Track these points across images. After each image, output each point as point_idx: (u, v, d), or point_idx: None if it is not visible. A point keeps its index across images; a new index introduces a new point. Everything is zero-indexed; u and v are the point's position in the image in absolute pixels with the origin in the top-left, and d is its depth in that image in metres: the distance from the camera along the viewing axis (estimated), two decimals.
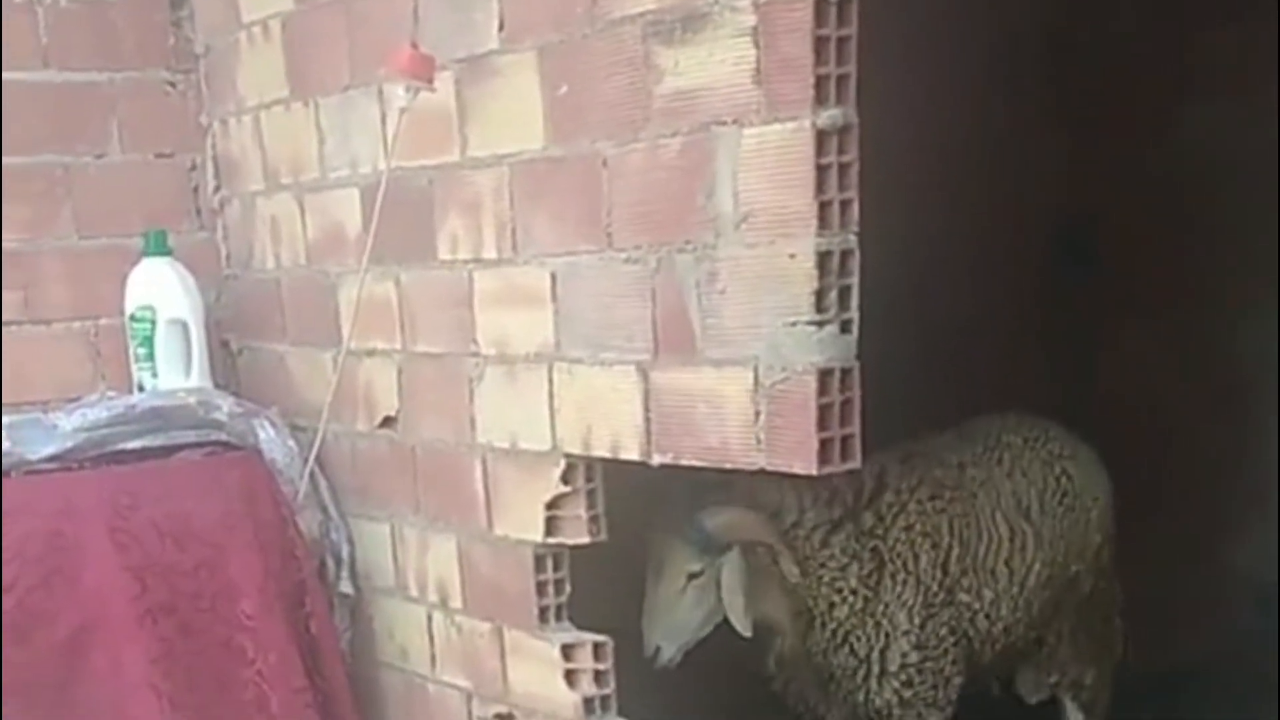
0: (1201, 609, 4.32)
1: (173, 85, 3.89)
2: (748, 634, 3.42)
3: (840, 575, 3.55)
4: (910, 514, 3.65)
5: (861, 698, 3.66)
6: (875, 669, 3.62)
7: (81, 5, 3.74)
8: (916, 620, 3.62)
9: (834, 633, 3.59)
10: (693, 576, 3.40)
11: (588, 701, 2.93)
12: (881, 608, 3.59)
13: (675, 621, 3.44)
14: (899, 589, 3.60)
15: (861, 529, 3.59)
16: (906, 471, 3.73)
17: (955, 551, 3.69)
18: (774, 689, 3.78)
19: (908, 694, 3.65)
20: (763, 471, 2.47)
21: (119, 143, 3.82)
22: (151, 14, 3.84)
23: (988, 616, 3.77)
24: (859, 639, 3.60)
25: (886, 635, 3.61)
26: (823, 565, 3.54)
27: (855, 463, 2.39)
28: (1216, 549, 5.08)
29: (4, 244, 3.69)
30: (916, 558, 3.63)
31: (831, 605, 3.57)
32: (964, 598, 3.72)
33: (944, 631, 3.67)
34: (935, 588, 3.65)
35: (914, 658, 3.63)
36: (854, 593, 3.56)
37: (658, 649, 3.44)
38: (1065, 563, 3.96)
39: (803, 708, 3.85)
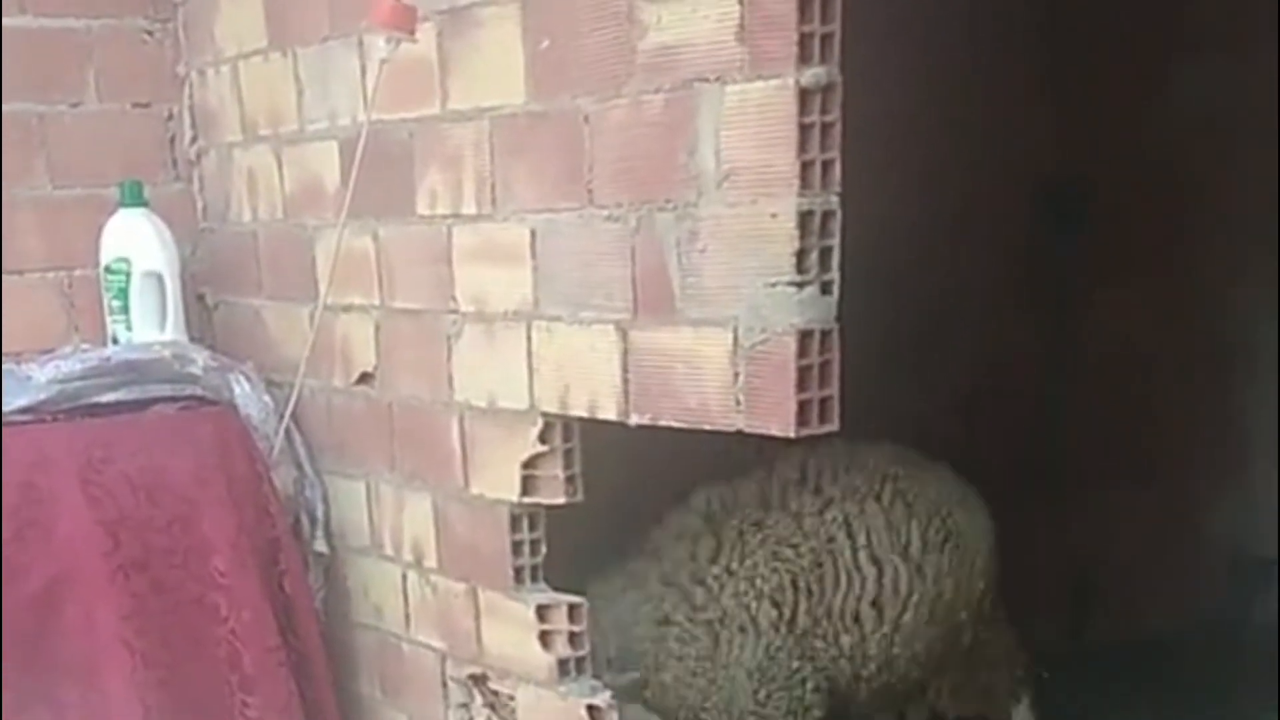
0: (1176, 577, 4.32)
1: (150, 34, 3.85)
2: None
3: (679, 651, 3.49)
4: (742, 580, 3.52)
5: None
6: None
7: None
8: (756, 679, 3.51)
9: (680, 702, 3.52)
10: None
11: (562, 663, 2.91)
12: (723, 672, 3.50)
13: None
14: (738, 652, 3.50)
15: (695, 605, 3.49)
16: (749, 533, 3.57)
17: (804, 605, 3.55)
18: None
19: None
20: (740, 434, 2.44)
21: (95, 92, 3.79)
22: None
23: (850, 660, 3.63)
24: (700, 696, 3.52)
25: (729, 697, 3.51)
26: (675, 640, 3.49)
27: (833, 425, 2.36)
28: (1192, 517, 5.08)
29: None
30: (755, 621, 3.51)
31: (683, 700, 3.51)
32: (819, 644, 3.59)
33: (794, 666, 3.55)
34: (779, 644, 3.53)
35: (762, 695, 3.53)
36: (698, 662, 3.49)
37: None
38: (952, 607, 3.80)
39: None
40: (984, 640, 4.01)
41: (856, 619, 3.63)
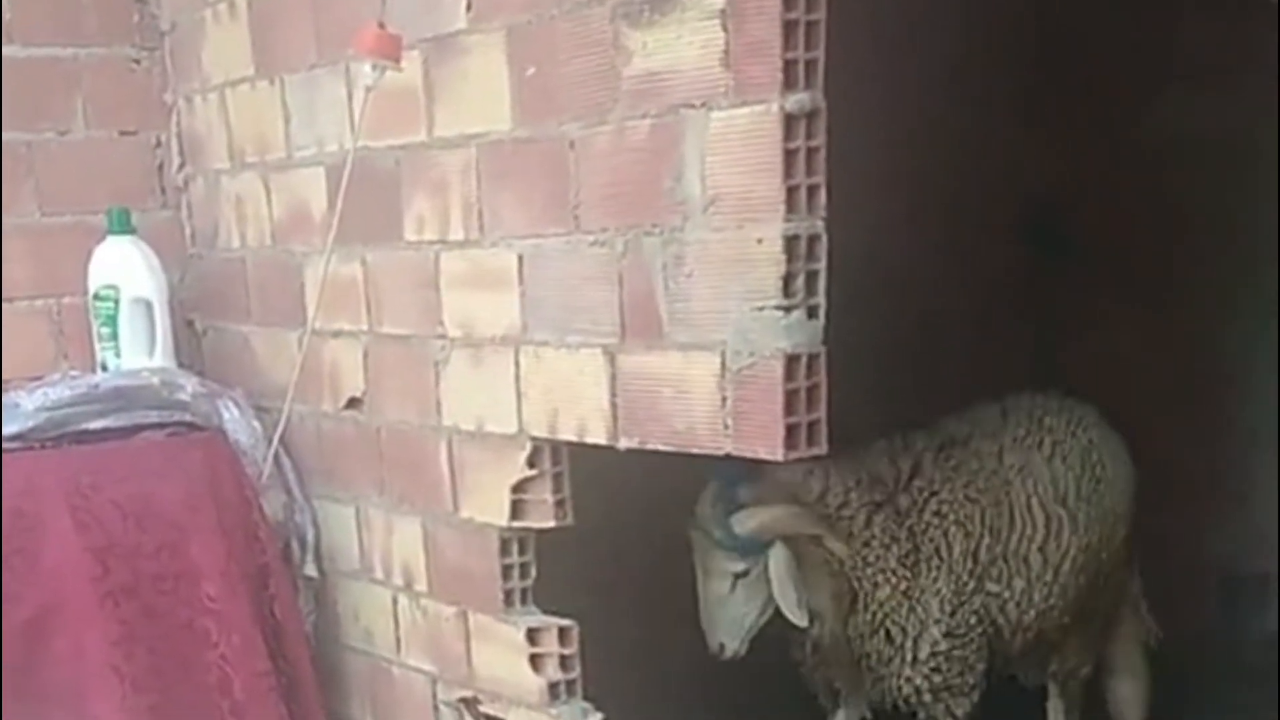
0: (1168, 597, 4.33)
1: (137, 62, 3.86)
2: (804, 624, 3.48)
3: (883, 555, 3.57)
4: (942, 501, 3.65)
5: (892, 684, 3.68)
6: (909, 656, 3.64)
7: None
8: (948, 608, 3.63)
9: (873, 616, 3.61)
10: (739, 576, 3.45)
11: (553, 686, 2.92)
12: (918, 593, 3.61)
13: (731, 619, 3.49)
14: (934, 575, 3.62)
15: (899, 511, 3.61)
16: (941, 459, 3.73)
17: (986, 541, 3.68)
18: (801, 673, 3.81)
19: (936, 680, 3.66)
20: (742, 457, 2.46)
21: (83, 119, 3.80)
22: None
23: (1018, 605, 3.76)
24: (895, 624, 3.62)
25: (921, 622, 3.62)
26: (866, 545, 3.56)
27: (821, 448, 2.38)
28: (1184, 537, 5.09)
29: None
30: (950, 546, 3.64)
31: (875, 586, 3.59)
32: (993, 587, 3.71)
33: (973, 620, 3.67)
34: (966, 576, 3.66)
35: (944, 646, 3.64)
36: (894, 574, 3.58)
37: (721, 645, 3.50)
38: (1098, 549, 3.94)
39: (825, 695, 3.88)
40: (1118, 579, 4.16)
41: (1026, 562, 3.76)
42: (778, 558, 3.42)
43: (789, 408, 2.33)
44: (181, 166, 3.91)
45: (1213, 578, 5.24)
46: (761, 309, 2.33)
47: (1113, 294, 5.11)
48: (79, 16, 3.77)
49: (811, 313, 2.34)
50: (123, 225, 3.61)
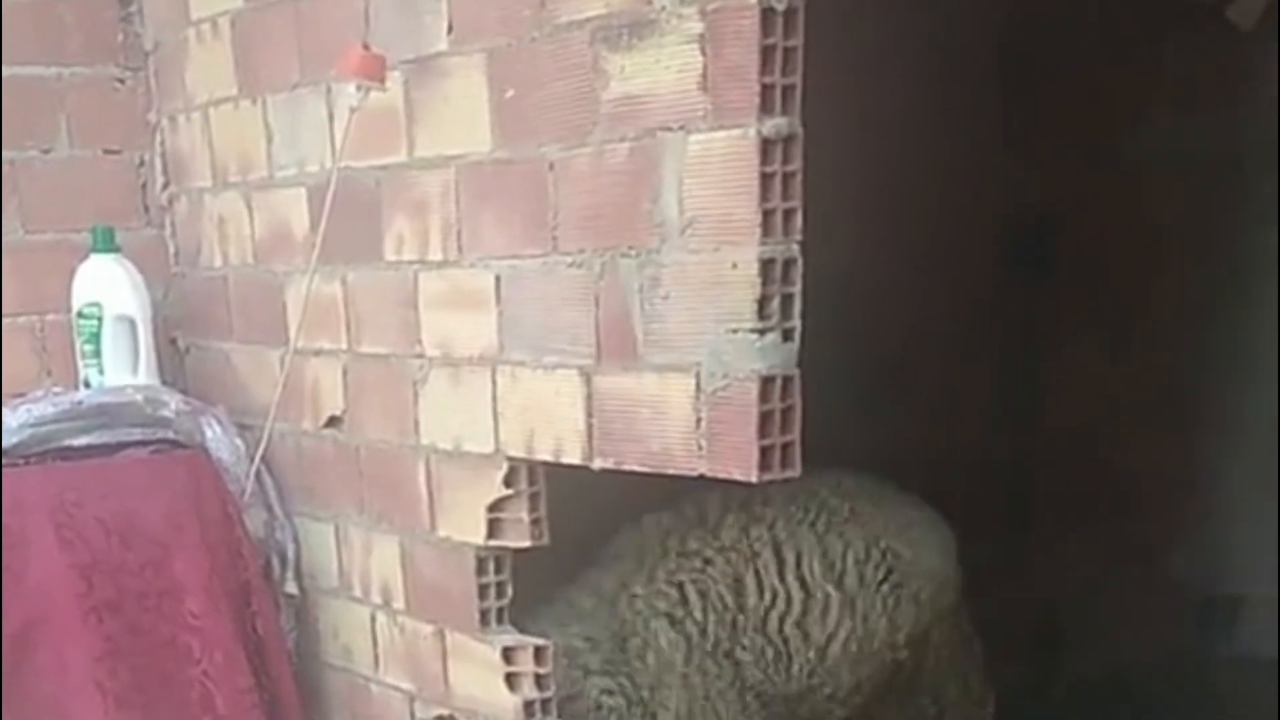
0: (1143, 618, 4.35)
1: (121, 81, 3.87)
2: None
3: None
4: (640, 600, 3.45)
5: None
6: None
7: (31, 1, 3.72)
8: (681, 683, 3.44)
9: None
10: None
11: (528, 705, 2.93)
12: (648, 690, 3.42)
13: None
14: (649, 663, 3.43)
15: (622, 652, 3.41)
16: (660, 554, 3.52)
17: (713, 616, 3.48)
18: None
19: None
20: (703, 478, 2.47)
21: (66, 138, 3.81)
22: (100, 10, 3.82)
23: (778, 675, 3.57)
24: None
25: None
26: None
27: (795, 470, 2.39)
28: (1159, 558, 5.11)
29: None
30: (656, 637, 3.43)
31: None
32: (743, 655, 3.52)
33: (716, 673, 3.49)
34: (690, 654, 3.46)
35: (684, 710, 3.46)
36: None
37: None
38: (889, 643, 3.71)
39: None
40: (928, 670, 3.93)
41: (780, 633, 3.58)
42: None
43: (763, 430, 2.34)
44: (165, 185, 3.92)
45: (1184, 600, 5.26)
46: (736, 331, 2.35)
47: (1093, 313, 5.13)
48: (63, 36, 3.78)
49: (787, 335, 2.35)
50: (106, 243, 3.62)
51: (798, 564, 3.60)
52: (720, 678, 3.50)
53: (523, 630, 3.05)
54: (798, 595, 3.59)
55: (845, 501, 3.74)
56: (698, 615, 3.48)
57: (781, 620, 3.57)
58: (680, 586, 3.48)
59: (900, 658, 3.76)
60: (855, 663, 3.67)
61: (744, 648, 3.53)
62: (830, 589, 3.62)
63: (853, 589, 3.65)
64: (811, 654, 3.61)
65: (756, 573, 3.56)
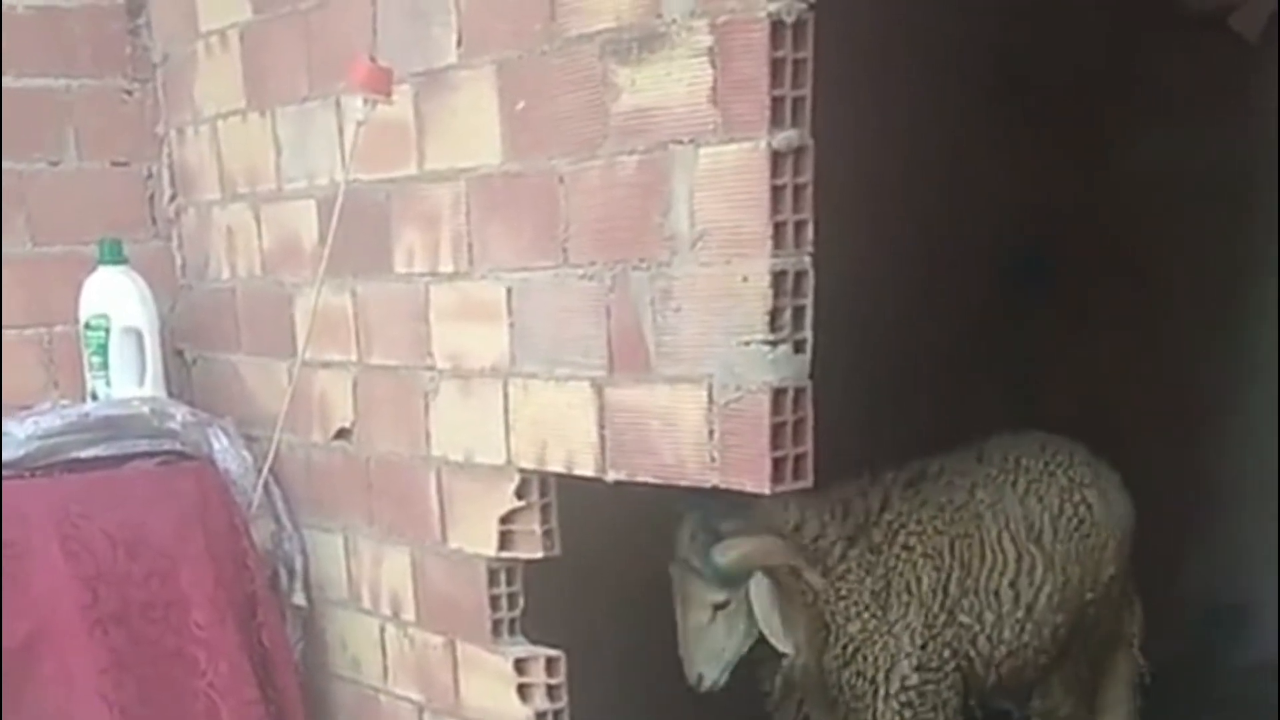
0: (1150, 625, 4.35)
1: (129, 93, 3.88)
2: (791, 652, 3.48)
3: (856, 589, 3.60)
4: (910, 533, 3.68)
5: (865, 718, 3.67)
6: (880, 690, 3.64)
7: (39, 13, 3.73)
8: (919, 641, 3.65)
9: (844, 649, 3.62)
10: (719, 607, 3.46)
11: (540, 716, 2.93)
12: (888, 627, 3.62)
13: (711, 650, 3.50)
14: (904, 609, 3.64)
15: (871, 545, 3.63)
16: (910, 493, 3.76)
17: (956, 573, 3.71)
18: (768, 708, 3.76)
19: (908, 715, 3.66)
20: (730, 490, 2.48)
21: (75, 150, 3.81)
22: (109, 22, 3.83)
23: (989, 639, 3.77)
24: (866, 657, 3.63)
25: (892, 656, 3.63)
26: (840, 579, 3.59)
27: (807, 481, 2.40)
28: (1165, 566, 5.11)
29: None
30: (919, 579, 3.67)
31: (847, 620, 3.60)
32: (964, 619, 3.73)
33: (945, 654, 3.69)
34: (937, 609, 3.68)
35: (914, 680, 3.65)
36: (866, 608, 3.61)
37: (700, 676, 3.50)
38: (1080, 590, 3.95)
39: None
40: (1108, 621, 4.17)
41: (997, 595, 3.77)
42: (760, 588, 3.43)
43: (775, 441, 2.36)
44: (173, 197, 3.93)
45: (1191, 608, 5.26)
46: (748, 343, 2.36)
47: (1092, 327, 5.14)
48: (72, 48, 3.78)
49: (798, 347, 2.36)
50: (114, 255, 3.63)
51: (1007, 526, 3.82)
52: (947, 644, 3.72)
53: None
54: (1011, 554, 3.81)
55: (1037, 461, 3.97)
56: (948, 567, 3.72)
57: (1000, 579, 3.79)
58: (938, 533, 3.73)
59: (1087, 600, 3.99)
60: (1055, 612, 3.88)
61: (965, 611, 3.74)
62: (1033, 548, 3.84)
63: (1050, 545, 3.88)
64: (1020, 612, 3.81)
65: (980, 533, 3.79)
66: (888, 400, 4.70)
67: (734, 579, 3.43)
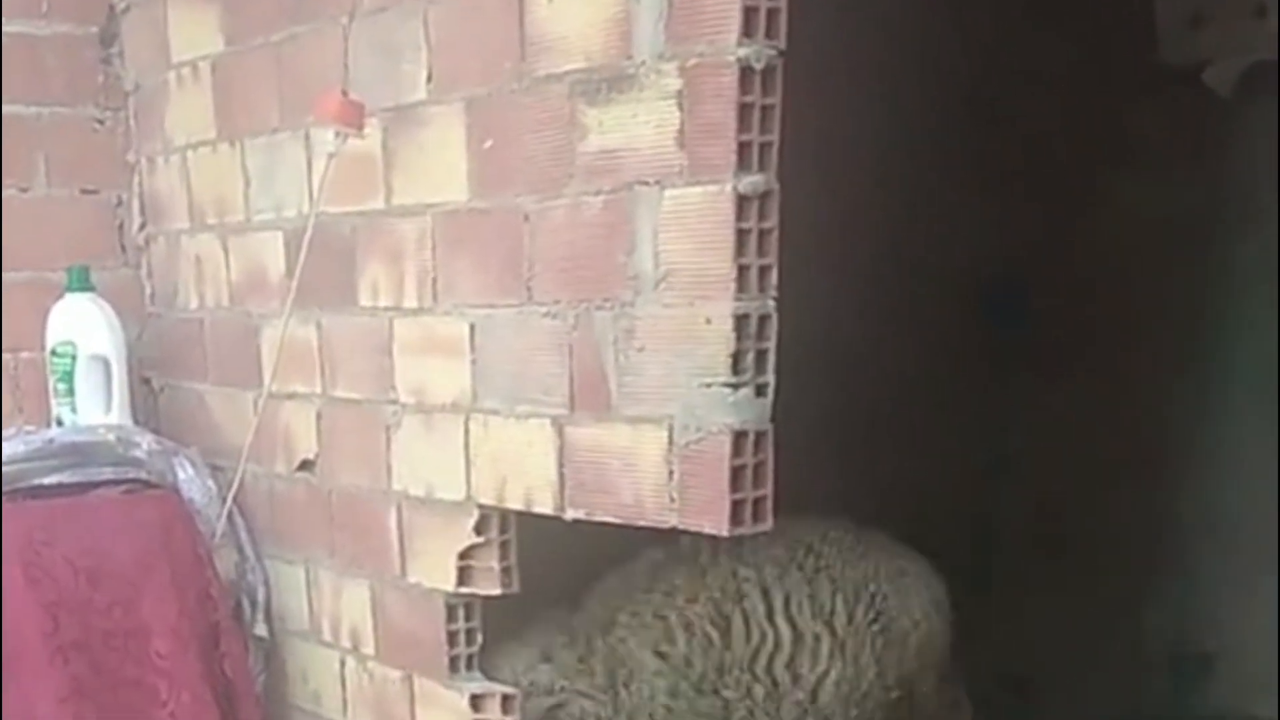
0: (1114, 674, 4.36)
1: (101, 122, 3.89)
2: None
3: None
4: (624, 628, 3.45)
5: None
6: None
7: (11, 39, 3.73)
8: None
9: None
10: None
11: None
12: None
13: None
14: (634, 696, 3.42)
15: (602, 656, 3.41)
16: (647, 587, 3.52)
17: (698, 651, 3.47)
18: None
19: None
20: (674, 529, 2.48)
21: (44, 177, 3.82)
22: (82, 50, 3.84)
23: (767, 715, 3.57)
24: None
25: None
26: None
27: (766, 525, 2.40)
28: (1130, 614, 5.12)
29: None
30: (641, 665, 3.43)
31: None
32: (730, 694, 3.51)
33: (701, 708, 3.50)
34: (677, 684, 3.46)
35: None
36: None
37: None
38: (880, 687, 3.71)
39: None
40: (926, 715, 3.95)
41: (769, 673, 3.57)
42: None
43: (735, 484, 2.35)
44: (142, 226, 3.93)
45: (1155, 656, 5.26)
46: (710, 385, 2.36)
47: (1064, 368, 5.16)
48: (44, 75, 3.79)
49: (760, 391, 2.36)
50: (82, 283, 3.63)
51: (786, 605, 3.60)
52: (707, 715, 3.49)
53: (496, 658, 3.06)
54: (787, 635, 3.59)
55: (833, 547, 3.75)
56: (683, 650, 3.48)
57: (771, 660, 3.57)
58: (666, 621, 3.47)
59: (892, 699, 3.76)
60: (847, 704, 3.68)
61: (729, 686, 3.52)
62: (820, 629, 3.63)
63: (842, 630, 3.66)
64: (802, 694, 3.61)
65: (744, 613, 3.56)
66: (853, 438, 4.70)
67: None
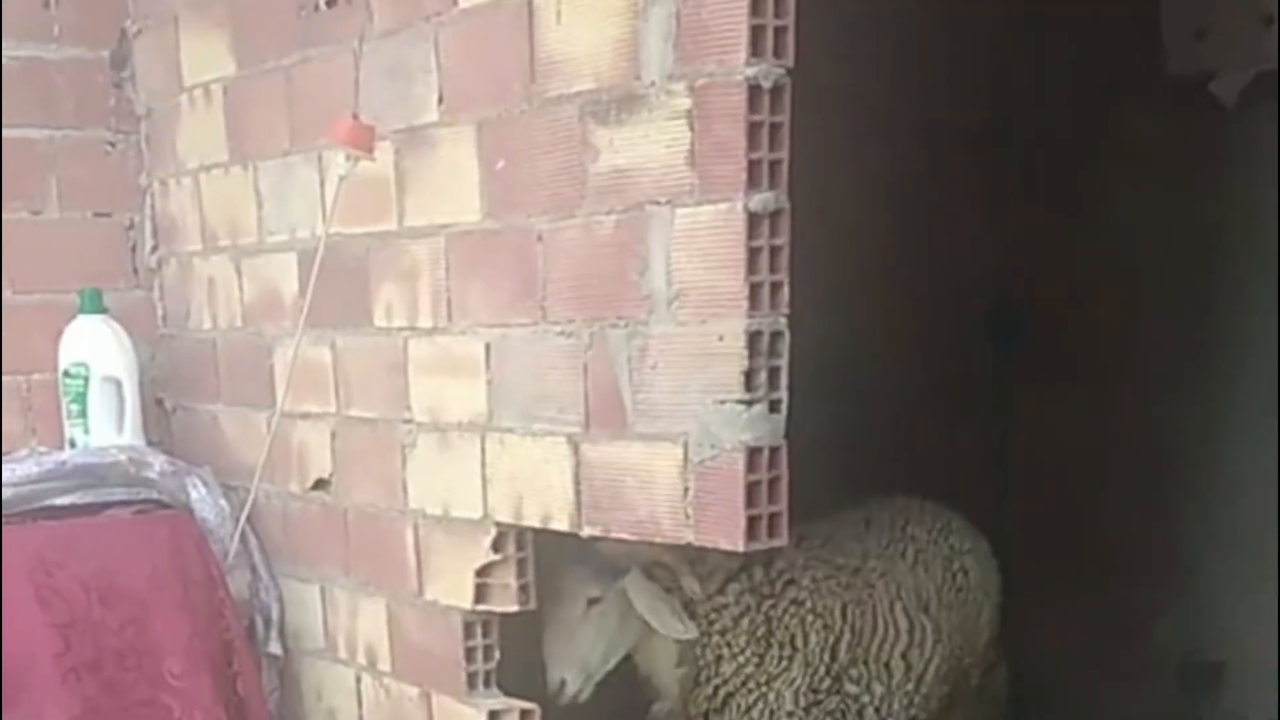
0: (1126, 683, 4.37)
1: (113, 145, 3.90)
2: (691, 634, 3.34)
3: (732, 627, 3.43)
4: (802, 588, 3.54)
5: None
6: None
7: (24, 63, 3.75)
8: (801, 703, 3.51)
9: (716, 691, 3.45)
10: (592, 602, 3.31)
11: None
12: (766, 678, 3.47)
13: (578, 651, 3.32)
14: (785, 665, 3.49)
15: (754, 584, 3.47)
16: (804, 546, 3.61)
17: (846, 638, 3.60)
18: None
19: None
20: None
21: (57, 200, 3.83)
22: (94, 74, 3.86)
23: (877, 711, 3.68)
24: (740, 707, 3.46)
25: (771, 712, 3.48)
26: (716, 612, 3.42)
27: (782, 540, 2.42)
28: (1141, 623, 5.13)
29: None
30: (806, 635, 3.52)
31: (719, 659, 3.44)
32: (851, 689, 3.62)
33: (828, 712, 3.57)
34: (823, 672, 3.55)
35: None
36: (742, 651, 3.44)
37: (563, 683, 3.32)
38: (960, 656, 3.92)
39: None
40: (986, 682, 4.13)
41: (888, 667, 3.71)
42: (635, 583, 3.29)
43: (750, 500, 2.38)
44: (155, 248, 3.95)
45: (1164, 664, 5.27)
46: (724, 402, 2.38)
47: (1071, 383, 5.17)
48: (56, 99, 3.81)
49: (773, 407, 2.38)
50: (94, 305, 3.65)
51: (900, 596, 3.75)
52: (828, 711, 3.59)
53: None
54: (904, 626, 3.74)
55: (922, 528, 3.95)
56: (838, 630, 3.60)
57: (891, 651, 3.71)
58: (832, 593, 3.60)
59: (965, 665, 3.96)
60: (942, 682, 3.83)
61: (854, 680, 3.64)
62: (924, 618, 3.79)
63: (937, 613, 3.82)
64: (911, 684, 3.75)
65: (874, 603, 3.70)
66: (874, 455, 4.71)
67: (613, 570, 3.29)
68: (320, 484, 3.40)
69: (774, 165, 2.34)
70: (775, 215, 2.34)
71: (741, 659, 3.46)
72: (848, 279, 4.28)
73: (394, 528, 3.17)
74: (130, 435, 3.65)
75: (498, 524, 2.88)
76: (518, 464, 2.81)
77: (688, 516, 2.46)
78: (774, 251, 2.35)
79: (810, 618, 3.54)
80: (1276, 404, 4.77)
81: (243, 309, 3.60)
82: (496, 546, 2.90)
